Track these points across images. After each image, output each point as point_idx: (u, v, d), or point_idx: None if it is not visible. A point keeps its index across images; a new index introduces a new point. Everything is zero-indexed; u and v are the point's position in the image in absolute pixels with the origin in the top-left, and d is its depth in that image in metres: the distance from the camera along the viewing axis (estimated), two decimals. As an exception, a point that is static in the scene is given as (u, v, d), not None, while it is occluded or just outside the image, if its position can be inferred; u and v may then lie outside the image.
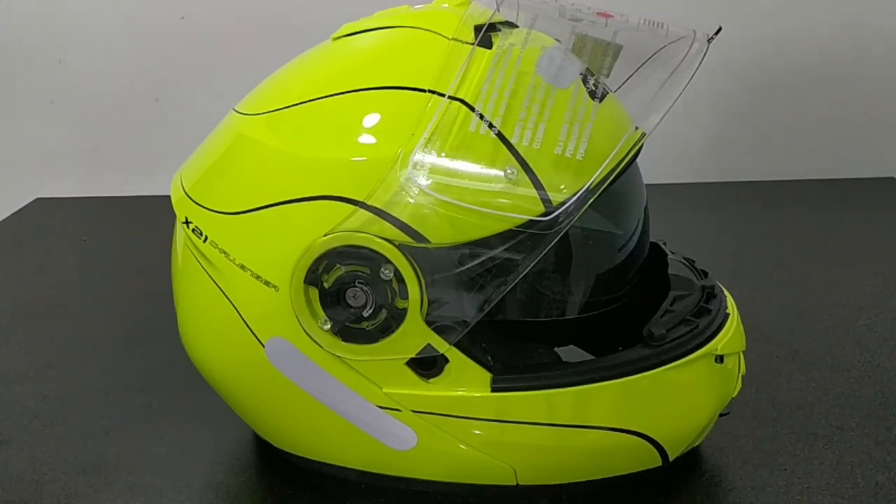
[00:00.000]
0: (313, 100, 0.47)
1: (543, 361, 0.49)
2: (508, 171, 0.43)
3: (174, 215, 0.51)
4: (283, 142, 0.47)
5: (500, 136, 0.44)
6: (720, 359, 0.50)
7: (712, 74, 1.08)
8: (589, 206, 0.43)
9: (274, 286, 0.46)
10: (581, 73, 0.46)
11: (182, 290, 0.52)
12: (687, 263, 0.56)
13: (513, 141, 0.44)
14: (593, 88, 0.46)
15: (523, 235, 0.43)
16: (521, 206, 0.43)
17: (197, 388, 0.65)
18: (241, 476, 0.55)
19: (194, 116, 1.13)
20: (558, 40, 0.48)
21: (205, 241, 0.48)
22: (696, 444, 0.53)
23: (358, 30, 0.51)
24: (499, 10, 0.48)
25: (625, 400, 0.48)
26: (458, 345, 0.45)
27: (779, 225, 0.98)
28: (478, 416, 0.47)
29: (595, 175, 0.44)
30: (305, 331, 0.46)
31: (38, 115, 1.16)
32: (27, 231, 1.07)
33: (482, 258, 0.44)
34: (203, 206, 0.49)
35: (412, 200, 0.43)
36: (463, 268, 0.44)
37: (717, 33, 0.46)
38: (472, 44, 0.46)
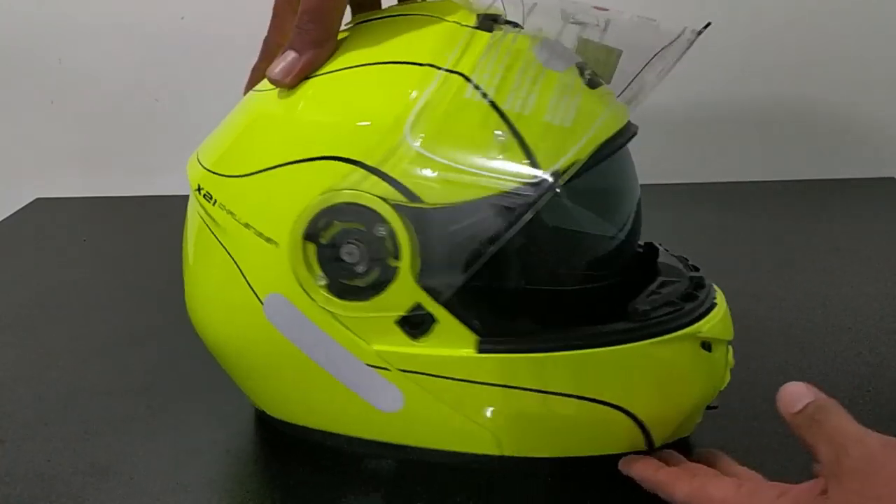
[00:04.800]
0: (321, 75, 0.50)
1: (530, 328, 0.49)
2: (499, 135, 0.45)
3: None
4: (289, 110, 0.50)
5: (492, 104, 0.46)
6: (707, 346, 0.50)
7: (712, 74, 1.08)
8: (579, 176, 0.45)
9: (274, 242, 0.48)
10: (577, 64, 0.49)
11: (190, 256, 0.55)
12: (680, 259, 0.57)
13: (504, 108, 0.46)
14: (590, 78, 0.49)
15: (512, 200, 0.45)
16: (509, 170, 0.45)
17: (197, 388, 0.65)
18: (242, 476, 0.55)
19: (194, 116, 1.14)
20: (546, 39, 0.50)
21: (214, 203, 0.51)
22: (685, 434, 0.53)
23: (366, 19, 0.54)
24: (503, 6, 0.51)
25: (606, 370, 0.48)
26: (447, 305, 0.47)
27: (778, 225, 0.98)
28: (462, 378, 0.48)
29: (581, 143, 0.46)
30: (302, 286, 0.48)
31: (38, 115, 1.16)
32: (27, 231, 1.07)
33: (471, 220, 0.45)
34: (214, 172, 0.51)
35: (407, 161, 0.46)
36: (453, 229, 0.46)
37: (705, 27, 0.48)
38: (473, 27, 0.49)
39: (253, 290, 0.49)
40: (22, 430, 0.60)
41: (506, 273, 0.49)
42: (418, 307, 0.47)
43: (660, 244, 0.58)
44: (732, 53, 1.07)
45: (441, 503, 0.50)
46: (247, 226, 0.49)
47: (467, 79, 0.46)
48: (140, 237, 1.02)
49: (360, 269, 0.47)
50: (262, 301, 0.49)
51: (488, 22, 0.49)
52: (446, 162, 0.45)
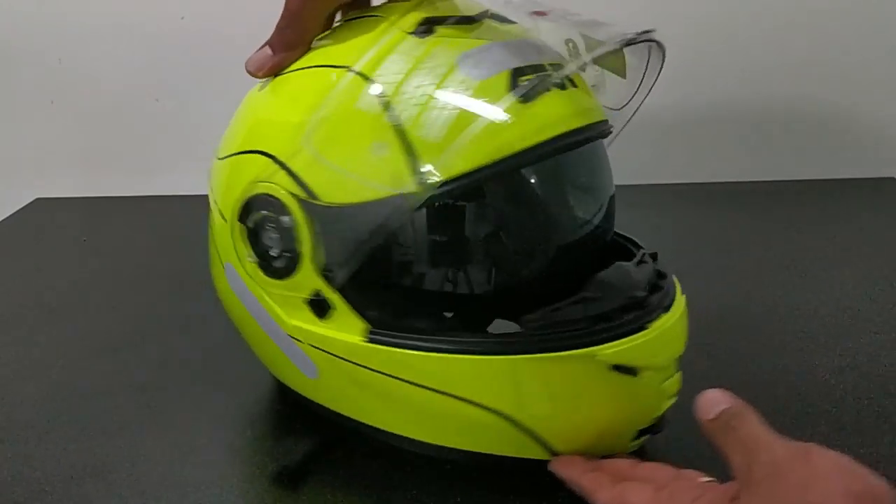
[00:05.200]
0: (281, 74, 0.54)
1: (418, 325, 0.51)
2: (378, 145, 0.47)
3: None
4: (251, 105, 0.56)
5: (386, 107, 0.47)
6: (629, 370, 0.48)
7: (712, 74, 1.08)
8: (467, 189, 0.47)
9: (225, 219, 0.54)
10: (518, 70, 0.49)
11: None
12: (657, 274, 0.54)
13: (398, 112, 0.47)
14: (537, 84, 0.48)
15: (395, 203, 0.47)
16: (391, 176, 0.47)
17: (197, 387, 0.65)
18: (242, 477, 0.55)
19: (194, 116, 1.14)
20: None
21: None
22: (621, 451, 0.52)
23: (347, 18, 0.56)
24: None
25: (486, 377, 0.49)
26: (342, 294, 0.50)
27: (778, 225, 0.98)
28: (356, 362, 0.51)
29: (461, 148, 0.46)
30: (239, 260, 0.54)
31: (38, 115, 1.16)
32: (27, 231, 1.07)
33: (356, 221, 0.48)
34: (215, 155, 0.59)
35: (306, 161, 0.49)
36: (341, 226, 0.49)
37: (646, 32, 0.50)
38: (410, 31, 0.50)
39: (220, 258, 0.57)
40: (22, 430, 0.60)
41: (390, 272, 0.53)
42: (318, 293, 0.51)
43: (645, 256, 0.56)
44: (732, 54, 1.07)
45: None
46: (214, 202, 0.57)
47: (370, 81, 0.48)
48: (140, 237, 1.02)
49: (275, 252, 0.52)
50: (224, 267, 0.56)
51: (428, 25, 0.50)
52: (334, 166, 0.48)
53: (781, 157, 1.13)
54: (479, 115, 0.47)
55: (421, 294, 0.53)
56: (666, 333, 0.50)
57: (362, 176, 0.47)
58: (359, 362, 0.51)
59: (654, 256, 0.57)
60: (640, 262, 0.55)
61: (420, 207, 0.48)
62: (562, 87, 0.50)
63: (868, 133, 1.12)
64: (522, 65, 0.49)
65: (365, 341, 0.50)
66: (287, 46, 0.53)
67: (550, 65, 0.50)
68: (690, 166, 1.12)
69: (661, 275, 0.54)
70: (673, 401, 0.51)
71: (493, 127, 0.47)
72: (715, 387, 0.43)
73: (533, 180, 0.54)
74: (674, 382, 0.51)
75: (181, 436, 0.59)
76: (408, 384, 0.50)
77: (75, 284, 0.88)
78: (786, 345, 0.69)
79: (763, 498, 0.38)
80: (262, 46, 0.54)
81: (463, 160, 0.46)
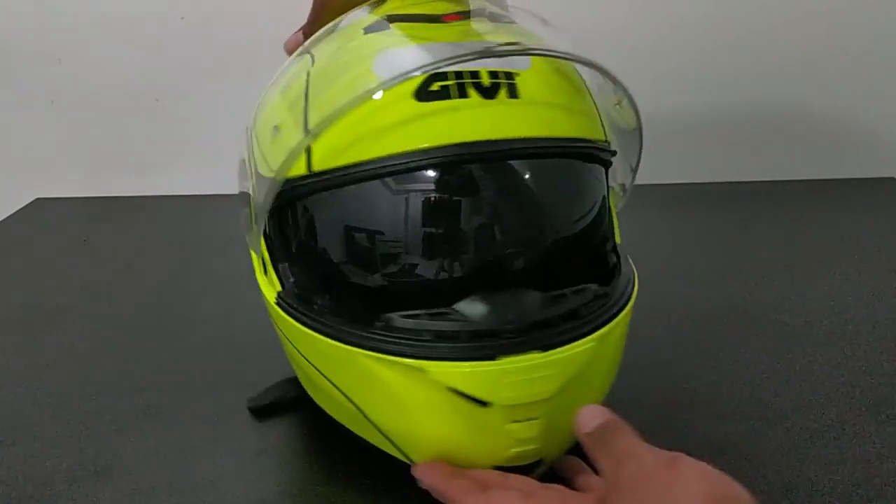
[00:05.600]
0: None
1: (315, 302, 0.52)
2: (276, 129, 0.52)
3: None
4: None
5: (305, 96, 0.50)
6: (475, 399, 0.46)
7: (712, 75, 1.08)
8: (358, 174, 0.48)
9: None
10: (436, 76, 0.48)
11: None
12: (568, 308, 0.49)
13: (309, 101, 0.50)
14: (443, 89, 0.48)
15: (289, 189, 0.50)
16: (281, 157, 0.48)
17: (197, 388, 0.65)
18: (241, 476, 0.55)
19: (194, 116, 1.14)
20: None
21: None
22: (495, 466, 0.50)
23: None
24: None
25: (338, 363, 0.50)
26: (275, 256, 0.54)
27: (777, 225, 0.98)
28: (273, 317, 0.55)
29: (354, 159, 0.48)
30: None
31: (38, 115, 1.16)
32: (27, 231, 1.07)
33: (265, 194, 0.50)
34: None
35: (255, 137, 0.55)
36: (261, 198, 0.51)
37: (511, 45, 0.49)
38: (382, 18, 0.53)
39: None
40: (22, 430, 0.60)
41: (291, 249, 0.54)
42: (258, 250, 0.55)
43: (567, 293, 0.50)
44: (732, 54, 1.07)
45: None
46: None
47: (311, 62, 0.53)
48: (140, 237, 1.02)
49: (246, 210, 0.55)
50: None
51: (390, 19, 0.53)
52: (260, 139, 0.54)
53: (781, 157, 1.13)
54: (368, 117, 0.48)
55: (311, 274, 0.53)
56: (522, 371, 0.46)
57: (269, 156, 0.52)
58: (275, 319, 0.54)
59: (591, 295, 0.51)
60: (558, 296, 0.49)
61: (291, 193, 0.50)
62: (489, 95, 0.48)
63: (868, 133, 1.12)
64: (442, 70, 0.47)
65: (273, 303, 0.53)
66: (308, 28, 0.62)
67: (471, 72, 0.48)
68: (690, 166, 1.12)
69: (571, 315, 0.49)
70: (530, 448, 0.47)
71: (373, 128, 0.48)
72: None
73: (394, 185, 0.51)
74: (527, 428, 0.47)
75: (181, 436, 0.59)
76: (298, 354, 0.53)
77: (75, 284, 0.88)
78: (785, 344, 0.69)
79: (629, 500, 0.40)
80: (297, 31, 0.62)
81: (354, 155, 0.48)
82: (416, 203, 0.49)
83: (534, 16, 0.55)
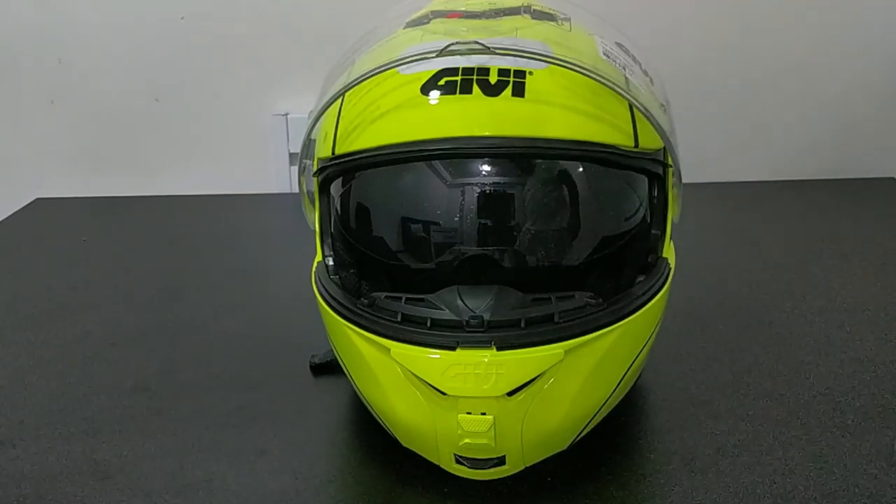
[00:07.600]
0: None
1: (337, 275, 0.57)
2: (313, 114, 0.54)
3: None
4: None
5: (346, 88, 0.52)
6: (432, 386, 0.47)
7: (711, 74, 1.08)
8: (363, 163, 0.52)
9: None
10: (442, 70, 0.50)
11: None
12: (546, 312, 0.48)
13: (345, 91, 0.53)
14: (451, 88, 0.49)
15: (319, 170, 0.56)
16: (322, 144, 0.55)
17: (197, 388, 0.65)
18: (241, 476, 0.55)
19: (194, 116, 1.14)
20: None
21: None
22: (445, 468, 0.52)
23: None
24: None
25: (337, 338, 0.54)
26: (321, 230, 0.58)
27: (777, 225, 0.98)
28: (315, 284, 0.58)
29: (357, 148, 0.52)
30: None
31: (38, 115, 1.16)
32: (27, 231, 1.07)
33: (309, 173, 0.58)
34: None
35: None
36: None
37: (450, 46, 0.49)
38: (409, 21, 0.57)
39: None
40: (22, 430, 0.60)
41: (325, 225, 0.58)
42: (315, 222, 0.59)
43: (553, 298, 0.49)
44: (732, 54, 1.07)
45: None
46: None
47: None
48: (140, 237, 1.02)
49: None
50: None
51: (430, 18, 0.57)
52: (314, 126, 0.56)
53: (781, 156, 1.13)
54: (380, 108, 0.51)
55: (332, 249, 0.58)
56: (473, 366, 0.46)
57: (324, 133, 0.56)
58: (314, 286, 0.57)
59: (579, 304, 0.49)
60: (540, 300, 0.49)
61: (325, 175, 0.56)
62: (491, 92, 0.49)
63: (868, 133, 1.12)
64: (458, 65, 0.50)
65: (314, 270, 0.58)
66: None
67: (481, 69, 0.49)
68: (691, 166, 1.12)
69: (546, 320, 0.48)
70: (482, 442, 0.48)
71: (383, 117, 0.51)
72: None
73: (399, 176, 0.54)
74: (477, 422, 0.47)
75: (181, 436, 0.59)
76: (329, 315, 0.54)
77: (75, 284, 0.88)
78: (785, 344, 0.69)
79: None
80: None
81: (350, 143, 0.52)
82: (405, 193, 0.53)
83: (593, 14, 0.58)
